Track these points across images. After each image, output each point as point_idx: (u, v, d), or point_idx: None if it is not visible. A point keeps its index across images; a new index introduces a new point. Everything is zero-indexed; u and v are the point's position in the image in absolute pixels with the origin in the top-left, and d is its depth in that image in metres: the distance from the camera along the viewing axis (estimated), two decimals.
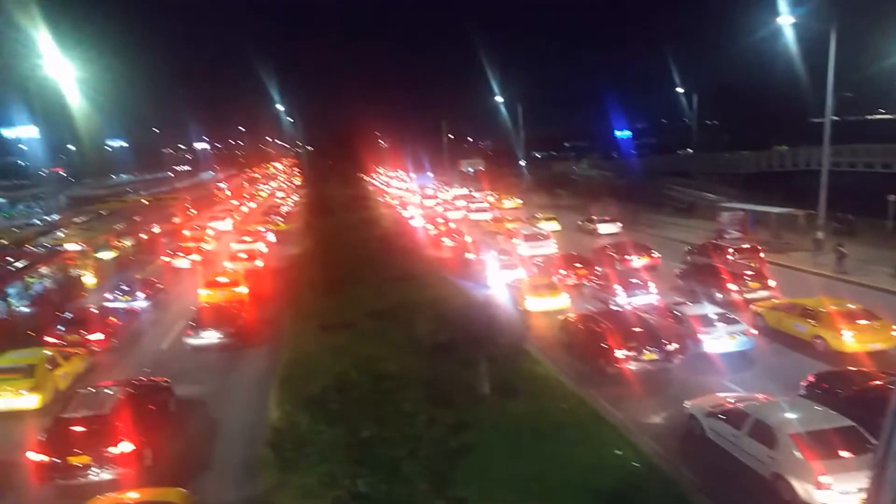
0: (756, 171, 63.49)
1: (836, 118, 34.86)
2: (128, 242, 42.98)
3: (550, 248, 37.73)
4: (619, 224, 45.97)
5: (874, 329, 19.15)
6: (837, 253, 30.35)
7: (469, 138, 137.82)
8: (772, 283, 25.96)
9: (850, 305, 20.32)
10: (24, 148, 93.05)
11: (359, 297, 26.25)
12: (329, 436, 10.31)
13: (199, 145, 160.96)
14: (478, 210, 60.32)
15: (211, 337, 22.40)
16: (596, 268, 30.16)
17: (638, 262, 31.94)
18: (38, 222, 55.55)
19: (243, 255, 37.63)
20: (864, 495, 7.37)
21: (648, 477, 12.86)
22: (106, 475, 13.24)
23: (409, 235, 46.51)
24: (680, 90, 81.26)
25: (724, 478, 13.02)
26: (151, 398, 16.21)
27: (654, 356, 18.15)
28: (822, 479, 11.34)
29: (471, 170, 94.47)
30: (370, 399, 11.13)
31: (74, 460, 13.21)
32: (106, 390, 15.50)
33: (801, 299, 21.74)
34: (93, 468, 13.22)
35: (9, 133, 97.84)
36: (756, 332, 20.66)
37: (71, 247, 34.28)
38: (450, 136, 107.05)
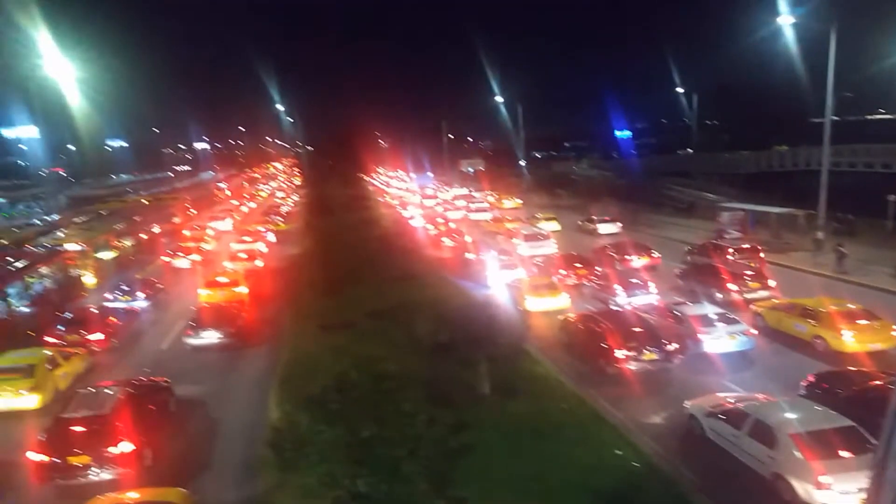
0: (756, 171, 63.46)
1: (836, 118, 34.86)
2: (128, 242, 42.97)
3: (550, 248, 37.73)
4: (619, 224, 45.96)
5: (874, 329, 19.15)
6: (837, 253, 30.35)
7: (469, 138, 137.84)
8: (772, 283, 25.95)
9: (850, 305, 20.31)
10: (24, 148, 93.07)
11: (359, 297, 26.26)
12: (329, 436, 10.31)
13: (199, 145, 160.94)
14: (478, 210, 60.26)
15: (211, 337, 22.41)
16: (596, 268, 30.16)
17: (638, 262, 31.94)
18: (38, 222, 55.51)
19: (243, 255, 37.63)
20: (864, 495, 7.37)
21: (648, 477, 12.86)
22: (106, 475, 13.24)
23: (409, 235, 46.48)
24: (680, 90, 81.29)
25: (724, 478, 13.02)
26: (151, 398, 16.21)
27: (654, 356, 18.15)
28: (822, 479, 11.34)
29: (471, 170, 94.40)
30: (370, 399, 11.13)
31: (74, 460, 13.22)
32: (106, 390, 15.51)
33: (801, 299, 21.74)
34: (93, 468, 13.22)
35: (9, 133, 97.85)
36: (756, 332, 20.65)
37: (71, 247, 34.27)
38: (450, 136, 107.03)
